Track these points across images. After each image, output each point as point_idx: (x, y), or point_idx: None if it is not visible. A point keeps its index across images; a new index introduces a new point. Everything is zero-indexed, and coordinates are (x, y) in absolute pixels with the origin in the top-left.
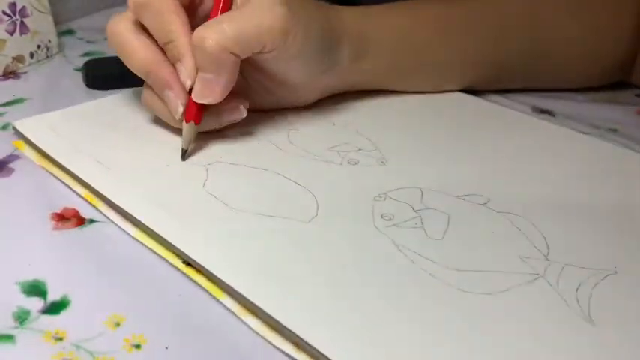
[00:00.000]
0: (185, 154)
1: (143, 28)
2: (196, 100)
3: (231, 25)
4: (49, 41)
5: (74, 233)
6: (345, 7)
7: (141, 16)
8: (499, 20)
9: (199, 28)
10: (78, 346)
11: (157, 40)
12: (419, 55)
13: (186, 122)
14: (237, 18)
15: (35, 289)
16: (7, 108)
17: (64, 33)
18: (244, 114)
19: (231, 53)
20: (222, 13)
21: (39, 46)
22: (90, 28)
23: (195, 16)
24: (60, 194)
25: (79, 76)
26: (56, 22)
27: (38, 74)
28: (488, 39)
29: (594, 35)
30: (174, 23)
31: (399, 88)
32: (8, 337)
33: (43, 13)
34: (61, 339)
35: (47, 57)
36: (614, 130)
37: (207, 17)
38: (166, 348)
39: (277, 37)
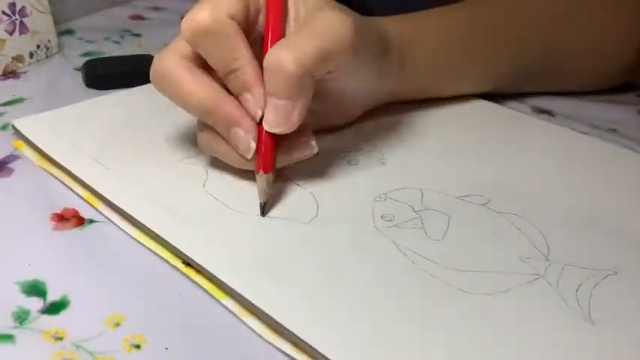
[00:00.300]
0: (264, 209)
1: (195, 62)
2: (269, 130)
3: (309, 44)
4: (49, 41)
5: (74, 233)
6: (383, 17)
7: (199, 44)
8: (524, 20)
9: (273, 50)
10: (78, 346)
11: (218, 70)
12: (454, 61)
13: (265, 173)
14: (311, 36)
15: (35, 289)
16: (7, 108)
17: (64, 33)
18: (315, 149)
19: (311, 74)
20: (274, 30)
21: (38, 46)
22: (89, 27)
23: (250, 39)
24: (60, 194)
25: (78, 76)
26: (55, 22)
27: (38, 74)
28: (515, 40)
29: (599, 35)
30: (239, 50)
31: (434, 94)
32: (8, 337)
33: (42, 12)
34: (60, 339)
35: (47, 57)
36: (614, 130)
37: (260, 38)
38: (166, 349)
39: (350, 55)
